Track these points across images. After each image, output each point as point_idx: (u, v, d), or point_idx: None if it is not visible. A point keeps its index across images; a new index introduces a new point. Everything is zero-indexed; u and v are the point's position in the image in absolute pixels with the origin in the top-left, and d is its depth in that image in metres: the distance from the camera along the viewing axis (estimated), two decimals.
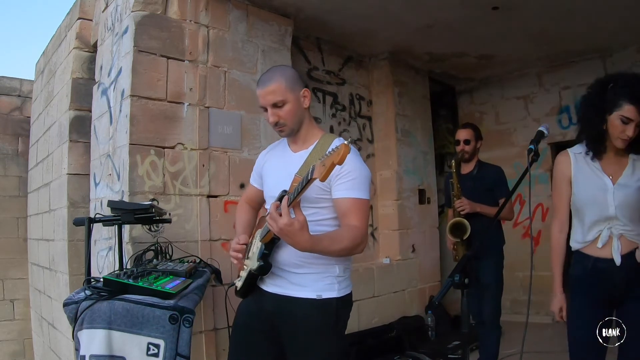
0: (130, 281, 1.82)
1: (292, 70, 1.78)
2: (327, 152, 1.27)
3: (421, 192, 4.76)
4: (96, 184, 3.22)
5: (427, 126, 4.99)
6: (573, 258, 1.97)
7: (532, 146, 1.80)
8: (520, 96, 5.18)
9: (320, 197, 1.60)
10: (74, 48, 3.80)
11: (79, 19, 3.83)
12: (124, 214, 2.22)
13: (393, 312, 4.23)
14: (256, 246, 1.69)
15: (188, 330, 1.75)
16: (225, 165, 3.13)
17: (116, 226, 2.34)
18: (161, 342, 1.69)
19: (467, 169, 3.30)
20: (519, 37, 4.15)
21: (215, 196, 3.06)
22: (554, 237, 2.02)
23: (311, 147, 1.70)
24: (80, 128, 3.70)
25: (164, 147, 2.86)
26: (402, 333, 3.98)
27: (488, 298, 3.06)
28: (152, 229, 2.53)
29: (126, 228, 2.60)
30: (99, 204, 3.10)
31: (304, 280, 1.63)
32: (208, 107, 3.07)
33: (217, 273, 2.58)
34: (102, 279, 1.89)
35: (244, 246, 1.73)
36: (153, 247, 2.47)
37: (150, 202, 2.33)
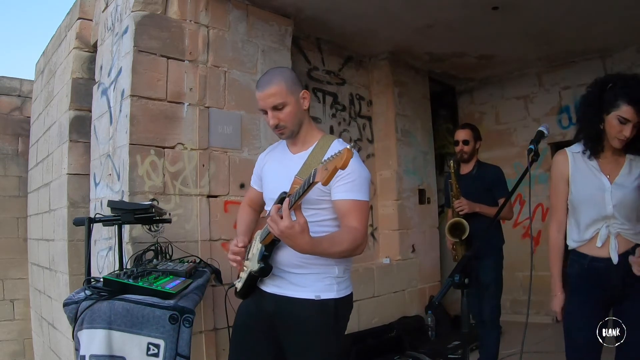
0: (130, 281, 1.82)
1: (291, 72, 1.78)
2: (329, 156, 1.27)
3: (421, 192, 4.76)
4: (96, 184, 3.22)
5: (427, 126, 4.99)
6: (569, 257, 1.98)
7: (532, 146, 1.81)
8: (520, 96, 5.18)
9: (320, 199, 1.60)
10: (74, 48, 3.80)
11: (79, 19, 3.83)
12: (124, 214, 2.22)
13: (393, 312, 4.23)
14: (256, 247, 1.69)
15: (188, 330, 1.75)
16: (225, 165, 3.13)
17: (116, 226, 2.33)
18: (161, 342, 1.69)
19: (466, 169, 3.31)
20: (519, 37, 4.15)
21: (215, 196, 3.06)
22: (552, 237, 2.02)
23: (310, 149, 1.70)
24: (80, 128, 3.70)
25: (164, 147, 2.86)
26: (402, 333, 3.98)
27: (488, 298, 3.06)
28: (152, 229, 2.53)
29: (126, 228, 2.60)
30: (99, 204, 3.10)
31: (303, 280, 1.63)
32: (208, 107, 3.07)
33: (217, 273, 2.58)
34: (102, 279, 1.89)
35: (243, 249, 1.74)
36: (153, 247, 2.47)
37: (150, 202, 2.34)
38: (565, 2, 3.47)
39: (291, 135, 1.72)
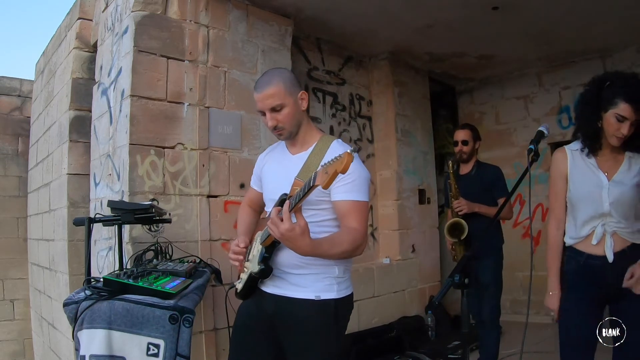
0: (130, 281, 1.82)
1: (290, 73, 1.77)
2: (330, 159, 1.27)
3: (421, 192, 4.76)
4: (96, 184, 3.22)
5: (427, 126, 4.99)
6: (566, 254, 1.98)
7: (532, 146, 1.81)
8: (520, 96, 5.18)
9: (320, 199, 1.60)
10: (74, 48, 3.80)
11: (79, 19, 3.83)
12: (124, 214, 2.22)
13: (393, 312, 4.23)
14: (257, 249, 1.69)
15: (188, 330, 1.75)
16: (225, 165, 3.13)
17: (116, 226, 2.33)
18: (161, 342, 1.69)
19: (465, 169, 3.31)
20: (519, 37, 4.15)
21: (215, 196, 3.06)
22: (550, 234, 2.02)
23: (310, 149, 1.70)
24: (80, 128, 3.70)
25: (164, 147, 2.86)
26: (402, 333, 3.98)
27: (487, 298, 3.06)
28: (152, 229, 2.53)
29: (126, 228, 2.60)
30: (99, 204, 3.10)
31: (303, 281, 1.63)
32: (208, 107, 3.07)
33: (217, 273, 2.58)
34: (102, 279, 1.89)
35: (244, 250, 1.74)
36: (153, 247, 2.47)
37: (150, 202, 2.33)
38: (565, 2, 3.47)
39: (290, 137, 1.71)
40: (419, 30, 3.99)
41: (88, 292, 1.78)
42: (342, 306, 1.67)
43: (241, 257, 1.73)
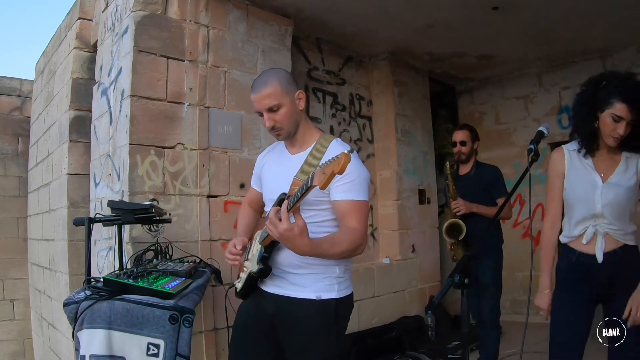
0: (130, 281, 1.82)
1: (286, 72, 1.77)
2: (328, 159, 1.27)
3: (421, 192, 4.76)
4: (96, 184, 3.22)
5: (427, 126, 4.98)
6: (560, 251, 2.00)
7: (532, 146, 1.81)
8: (520, 96, 5.18)
9: (319, 200, 1.60)
10: (74, 48, 3.80)
11: (79, 19, 3.83)
12: (124, 214, 2.22)
13: (393, 312, 4.23)
14: (256, 248, 1.70)
15: (188, 330, 1.75)
16: (225, 165, 3.13)
17: (116, 226, 2.33)
18: (161, 342, 1.69)
19: (464, 169, 3.32)
20: (519, 37, 4.15)
21: (215, 196, 3.06)
22: (545, 233, 2.03)
23: (309, 149, 1.69)
24: (80, 128, 3.70)
25: (164, 147, 2.86)
26: (402, 333, 3.97)
27: (487, 298, 3.07)
28: (152, 229, 2.53)
29: (126, 228, 2.60)
30: (99, 204, 3.10)
31: (303, 280, 1.63)
32: (208, 107, 3.07)
33: (217, 273, 2.58)
34: (102, 279, 1.89)
35: (240, 252, 1.75)
36: (153, 247, 2.47)
37: (150, 202, 2.33)
38: (565, 2, 3.47)
39: (288, 137, 1.71)
40: (419, 30, 3.99)
41: (88, 292, 1.78)
42: (343, 306, 1.67)
43: (239, 257, 1.73)
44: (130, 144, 2.72)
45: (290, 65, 3.57)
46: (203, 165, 3.00)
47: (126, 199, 2.69)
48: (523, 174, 1.80)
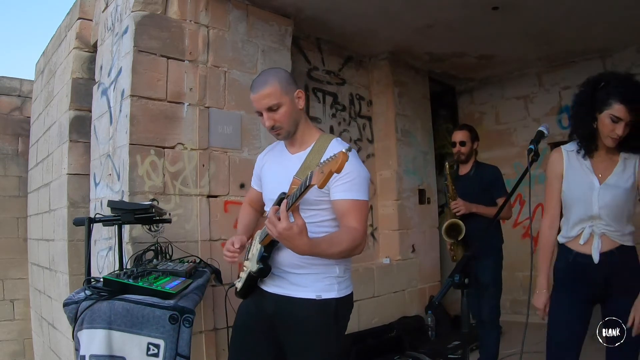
0: (130, 281, 1.82)
1: (285, 72, 1.77)
2: (326, 158, 1.27)
3: (421, 192, 4.76)
4: (96, 184, 3.22)
5: (427, 126, 4.98)
6: (558, 251, 2.01)
7: (532, 146, 1.81)
8: (520, 96, 5.18)
9: (319, 199, 1.60)
10: (74, 48, 3.80)
11: (79, 19, 3.83)
12: (124, 214, 2.22)
13: (393, 312, 4.23)
14: (256, 248, 1.70)
15: (188, 330, 1.75)
16: (225, 165, 3.13)
17: (116, 226, 2.33)
18: (161, 342, 1.69)
19: (464, 170, 3.32)
20: (519, 37, 4.15)
21: (215, 196, 3.06)
22: (543, 233, 2.04)
23: (309, 149, 1.69)
24: (80, 128, 3.70)
25: (164, 147, 2.86)
26: (402, 333, 3.98)
27: (487, 298, 3.07)
28: (152, 229, 2.53)
29: (126, 228, 2.60)
30: (99, 204, 3.10)
31: (303, 280, 1.63)
32: (208, 107, 3.07)
33: (217, 273, 2.58)
34: (102, 279, 1.89)
35: (238, 250, 1.75)
36: (153, 247, 2.47)
37: (150, 202, 2.33)
38: (565, 2, 3.47)
39: (288, 136, 1.71)
40: (419, 30, 3.99)
41: (88, 292, 1.78)
42: (343, 306, 1.67)
43: (235, 255, 1.73)
44: (130, 144, 2.72)
45: (290, 65, 3.57)
46: (203, 165, 3.00)
47: (126, 199, 2.69)
48: (523, 174, 1.80)
